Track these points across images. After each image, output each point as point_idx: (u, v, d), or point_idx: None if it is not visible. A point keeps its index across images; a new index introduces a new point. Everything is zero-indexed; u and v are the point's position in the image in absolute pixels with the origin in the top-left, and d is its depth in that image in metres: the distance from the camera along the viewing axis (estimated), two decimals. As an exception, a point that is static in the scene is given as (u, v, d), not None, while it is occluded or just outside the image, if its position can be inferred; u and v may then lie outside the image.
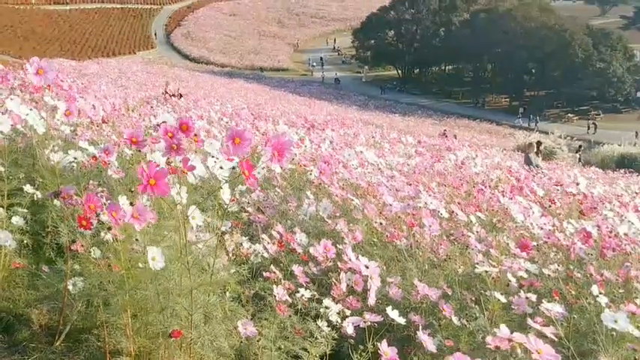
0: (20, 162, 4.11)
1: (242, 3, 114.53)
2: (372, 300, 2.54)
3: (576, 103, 62.89)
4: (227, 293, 2.69)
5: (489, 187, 6.31)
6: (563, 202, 6.32)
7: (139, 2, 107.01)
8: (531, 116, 58.85)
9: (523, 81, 66.81)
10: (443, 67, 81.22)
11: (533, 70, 65.59)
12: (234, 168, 2.48)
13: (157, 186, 2.13)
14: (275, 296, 2.79)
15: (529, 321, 2.45)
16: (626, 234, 4.05)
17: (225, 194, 2.50)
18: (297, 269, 3.07)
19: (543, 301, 2.97)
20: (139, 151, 2.60)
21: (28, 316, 3.03)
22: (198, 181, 2.67)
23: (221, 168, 2.51)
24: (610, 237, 3.99)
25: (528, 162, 13.68)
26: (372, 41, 79.79)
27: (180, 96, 16.79)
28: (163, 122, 2.84)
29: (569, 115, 61.29)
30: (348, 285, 2.86)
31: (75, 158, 3.62)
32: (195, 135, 2.34)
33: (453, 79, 76.18)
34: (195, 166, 2.33)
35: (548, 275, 3.64)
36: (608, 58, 62.88)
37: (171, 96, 15.53)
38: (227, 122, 9.58)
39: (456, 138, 26.96)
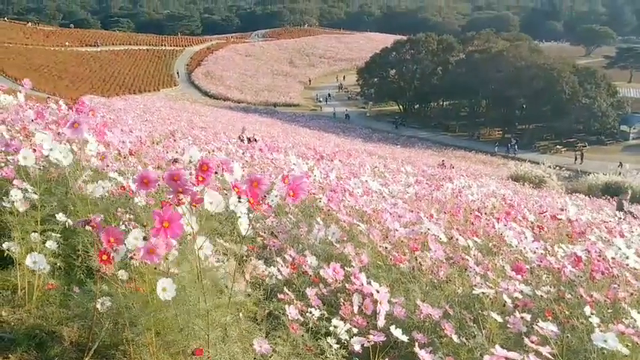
0: (54, 190, 4.12)
1: (257, 45, 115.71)
2: (380, 322, 2.53)
3: (564, 136, 62.78)
4: (240, 314, 2.67)
5: (485, 213, 6.29)
6: (551, 227, 6.29)
7: (163, 44, 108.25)
8: (509, 145, 59.32)
9: (515, 115, 66.86)
10: (441, 103, 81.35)
11: (524, 105, 65.58)
12: (239, 198, 2.48)
13: (171, 228, 2.12)
14: (288, 316, 2.78)
15: (525, 340, 2.42)
16: (613, 258, 4.02)
17: (242, 223, 2.50)
18: (309, 291, 3.05)
19: (538, 320, 2.95)
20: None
21: (60, 333, 3.01)
22: (216, 210, 2.66)
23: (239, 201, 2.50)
24: (599, 261, 3.96)
25: (620, 207, 13.03)
26: (376, 79, 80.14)
27: (255, 140, 16.68)
28: (175, 160, 2.84)
29: (557, 146, 61.16)
30: (358, 307, 2.84)
31: (104, 188, 3.64)
32: (216, 172, 2.33)
33: (450, 113, 76.24)
34: (202, 199, 2.30)
35: (541, 296, 3.61)
36: (593, 94, 62.89)
37: (247, 140, 15.46)
38: (242, 154, 9.61)
39: (453, 168, 26.95)
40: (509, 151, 57.21)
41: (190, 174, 2.27)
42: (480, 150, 57.38)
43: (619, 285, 3.71)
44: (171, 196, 2.23)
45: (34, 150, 3.40)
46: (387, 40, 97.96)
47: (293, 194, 2.17)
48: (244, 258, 3.03)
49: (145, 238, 2.26)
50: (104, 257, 2.35)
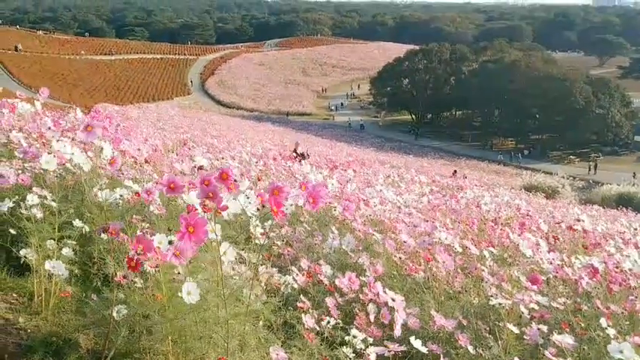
0: (70, 198, 4.14)
1: (270, 54, 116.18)
2: (397, 332, 2.52)
3: (578, 146, 62.52)
4: (260, 322, 2.67)
5: (501, 224, 6.26)
6: (566, 238, 6.24)
7: (177, 53, 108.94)
8: (512, 153, 60.08)
9: (528, 125, 66.69)
10: (453, 112, 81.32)
11: (537, 116, 65.42)
12: (264, 206, 2.48)
13: (195, 234, 2.14)
14: (304, 324, 2.77)
15: (545, 352, 2.40)
16: (630, 269, 3.99)
17: (258, 231, 2.50)
18: (329, 301, 3.04)
19: (554, 332, 2.92)
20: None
21: (76, 340, 3.02)
22: (232, 217, 2.67)
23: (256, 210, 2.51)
24: (616, 272, 3.93)
25: None
26: (388, 88, 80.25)
27: (308, 156, 16.99)
28: (200, 167, 2.85)
29: (571, 156, 60.91)
30: (375, 316, 2.83)
31: (120, 195, 3.66)
32: (235, 181, 2.35)
33: (463, 123, 76.16)
34: (228, 206, 2.32)
35: (557, 308, 3.58)
36: (606, 104, 62.65)
37: (300, 155, 15.70)
38: (256, 162, 9.62)
39: (465, 178, 26.85)
40: (513, 160, 57.38)
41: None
42: (493, 160, 57.25)
43: (636, 297, 3.68)
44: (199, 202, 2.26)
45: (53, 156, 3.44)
46: (400, 49, 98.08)
47: (313, 202, 2.17)
48: (260, 266, 3.03)
49: (170, 242, 2.28)
50: (132, 264, 2.37)
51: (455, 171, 30.33)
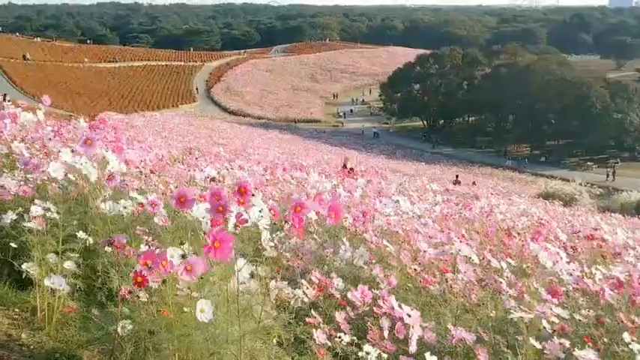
0: (73, 210, 4.13)
1: (277, 60, 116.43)
2: (413, 348, 2.49)
3: (595, 152, 62.20)
4: (274, 340, 2.64)
5: (518, 233, 6.21)
6: (585, 248, 6.18)
7: (182, 60, 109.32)
8: (519, 159, 60.59)
9: (543, 131, 66.45)
10: (466, 118, 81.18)
11: (553, 121, 65.20)
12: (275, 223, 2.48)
13: (221, 249, 2.14)
14: (315, 340, 2.74)
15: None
16: (655, 281, 3.92)
17: (268, 243, 2.48)
18: (338, 316, 3.02)
19: (576, 346, 2.88)
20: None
21: (80, 357, 3.00)
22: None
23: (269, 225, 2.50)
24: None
25: None
26: (399, 94, 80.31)
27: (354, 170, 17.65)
28: (212, 179, 2.84)
29: (588, 163, 60.59)
30: (389, 331, 2.80)
31: (125, 207, 3.65)
32: (253, 195, 2.33)
33: (476, 129, 76.00)
34: (246, 220, 2.31)
35: (579, 320, 3.54)
36: (624, 109, 62.39)
37: (349, 170, 16.25)
38: (264, 171, 9.62)
39: (474, 184, 26.73)
40: (520, 165, 57.41)
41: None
42: (506, 166, 57.08)
43: (661, 309, 3.62)
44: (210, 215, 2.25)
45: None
46: (410, 54, 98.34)
47: (335, 216, 2.17)
48: (269, 280, 3.01)
49: (183, 257, 2.26)
50: (139, 280, 2.36)
51: (457, 176, 30.10)
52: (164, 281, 2.46)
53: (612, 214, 19.09)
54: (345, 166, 17.62)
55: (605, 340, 3.29)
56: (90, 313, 3.19)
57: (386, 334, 2.78)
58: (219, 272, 2.46)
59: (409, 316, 2.58)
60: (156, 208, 3.41)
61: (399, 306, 2.63)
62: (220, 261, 2.20)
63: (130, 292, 2.67)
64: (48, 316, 3.26)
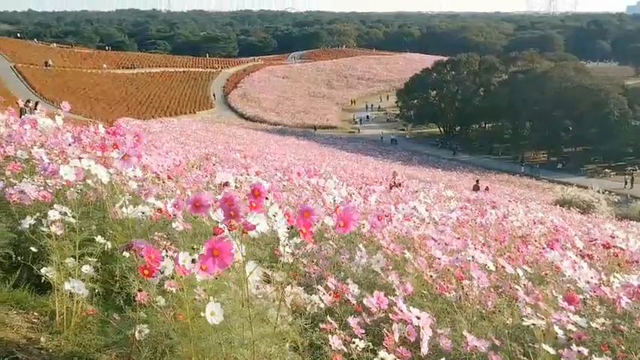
0: (91, 214, 4.17)
1: (294, 67, 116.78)
2: (424, 350, 2.49)
3: (613, 159, 61.71)
4: (287, 344, 2.65)
5: (535, 240, 6.17)
6: (602, 256, 6.12)
7: (199, 66, 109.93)
8: (532, 165, 60.73)
9: (560, 138, 66.01)
10: (483, 125, 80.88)
11: (570, 128, 64.77)
12: (292, 227, 2.48)
13: (220, 258, 2.12)
14: (331, 346, 2.74)
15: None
16: (673, 289, 3.89)
17: (286, 250, 2.49)
18: (352, 321, 3.01)
19: (594, 354, 2.86)
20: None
21: (98, 360, 3.03)
22: (257, 235, 2.66)
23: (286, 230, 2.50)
24: (657, 292, 3.83)
25: None
26: (415, 101, 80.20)
27: (401, 185, 18.08)
28: (225, 184, 2.85)
29: (605, 170, 60.08)
30: (400, 336, 2.80)
31: (143, 212, 3.68)
32: (267, 198, 2.33)
33: (492, 136, 75.63)
34: (254, 225, 2.31)
35: (596, 328, 3.51)
36: (643, 116, 61.97)
37: (397, 185, 16.63)
38: (280, 178, 9.63)
39: (488, 190, 26.56)
40: (532, 172, 57.22)
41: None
42: (523, 173, 56.75)
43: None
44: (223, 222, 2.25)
45: (77, 174, 3.48)
46: (427, 60, 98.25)
47: (344, 225, 2.16)
48: (285, 285, 3.02)
49: (193, 261, 2.27)
50: (146, 272, 2.37)
51: (477, 181, 29.80)
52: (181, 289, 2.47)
53: (630, 222, 18.93)
54: (394, 180, 18.36)
55: (623, 347, 3.27)
56: (108, 317, 3.22)
57: (396, 337, 2.77)
58: (234, 277, 2.47)
59: (418, 318, 2.57)
60: (178, 209, 3.42)
61: (408, 309, 2.63)
62: (222, 269, 2.19)
63: (147, 295, 2.69)
64: (67, 320, 3.28)
